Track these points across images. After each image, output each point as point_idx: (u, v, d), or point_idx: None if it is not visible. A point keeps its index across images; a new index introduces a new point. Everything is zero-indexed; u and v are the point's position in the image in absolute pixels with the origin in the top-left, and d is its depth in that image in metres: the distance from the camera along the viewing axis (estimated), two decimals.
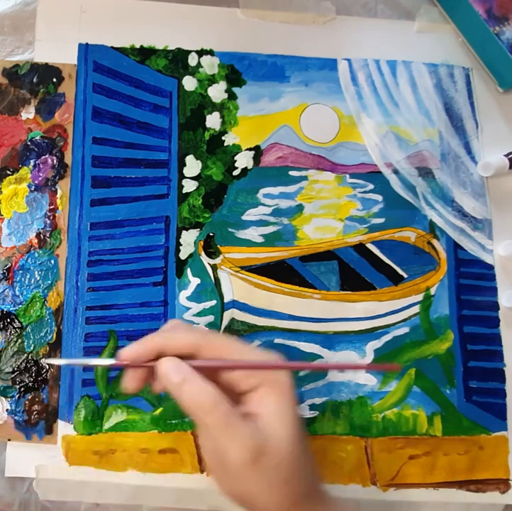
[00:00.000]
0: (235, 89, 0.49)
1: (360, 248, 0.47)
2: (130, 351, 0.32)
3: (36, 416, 0.43)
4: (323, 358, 0.45)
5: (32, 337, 0.44)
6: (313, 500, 0.32)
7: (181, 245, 0.46)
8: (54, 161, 0.46)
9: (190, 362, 0.32)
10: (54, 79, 0.48)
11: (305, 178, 0.48)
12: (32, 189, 0.46)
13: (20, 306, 0.44)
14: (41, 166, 0.46)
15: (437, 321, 0.46)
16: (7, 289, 0.44)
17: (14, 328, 0.44)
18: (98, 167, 0.47)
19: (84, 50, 0.48)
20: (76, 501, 0.42)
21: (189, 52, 0.49)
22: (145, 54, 0.49)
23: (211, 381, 0.31)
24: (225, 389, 0.31)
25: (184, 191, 0.47)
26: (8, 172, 0.46)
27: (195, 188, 0.47)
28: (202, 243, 0.46)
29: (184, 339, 0.32)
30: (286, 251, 0.47)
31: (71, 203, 0.46)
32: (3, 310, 0.44)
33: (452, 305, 0.46)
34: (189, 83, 0.49)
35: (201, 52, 0.49)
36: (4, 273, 0.45)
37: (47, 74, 0.48)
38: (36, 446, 0.42)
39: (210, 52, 0.49)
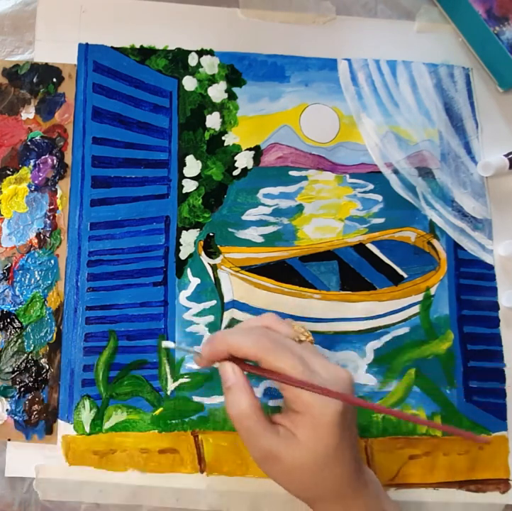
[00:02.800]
0: (235, 89, 0.49)
1: (360, 248, 0.47)
2: (208, 351, 0.37)
3: (36, 416, 0.43)
4: None
5: (32, 337, 0.44)
6: (341, 499, 0.35)
7: (181, 245, 0.46)
8: (54, 161, 0.46)
9: (245, 366, 0.36)
10: (54, 79, 0.48)
11: (305, 178, 0.48)
12: (32, 189, 0.46)
13: (20, 306, 0.44)
14: (41, 166, 0.46)
15: (437, 321, 0.46)
16: (7, 289, 0.44)
17: (14, 328, 0.44)
18: (98, 167, 0.47)
19: (84, 50, 0.48)
20: (76, 501, 0.42)
21: (189, 52, 0.49)
22: (145, 54, 0.49)
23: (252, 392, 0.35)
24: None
25: (184, 191, 0.47)
26: (8, 172, 0.46)
27: (195, 188, 0.47)
28: (202, 243, 0.46)
29: (249, 353, 0.35)
30: (286, 251, 0.47)
31: (71, 203, 0.46)
32: (3, 310, 0.44)
33: (452, 305, 0.46)
34: (189, 83, 0.49)
35: (201, 52, 0.49)
36: (4, 273, 0.45)
37: (47, 74, 0.48)
38: (36, 446, 0.42)
39: (210, 52, 0.49)
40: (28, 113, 0.47)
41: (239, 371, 0.35)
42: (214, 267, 0.46)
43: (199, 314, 0.45)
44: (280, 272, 0.46)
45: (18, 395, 0.43)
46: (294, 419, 0.34)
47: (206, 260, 0.46)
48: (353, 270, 0.47)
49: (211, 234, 0.46)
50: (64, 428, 0.43)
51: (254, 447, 0.35)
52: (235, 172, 0.48)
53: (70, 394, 0.43)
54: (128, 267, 0.45)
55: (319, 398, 0.33)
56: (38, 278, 0.45)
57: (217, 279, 0.46)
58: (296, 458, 0.34)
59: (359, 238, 0.47)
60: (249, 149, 0.48)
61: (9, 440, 0.42)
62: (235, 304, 0.45)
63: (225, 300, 0.45)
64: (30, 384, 0.43)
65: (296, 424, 0.34)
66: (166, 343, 0.41)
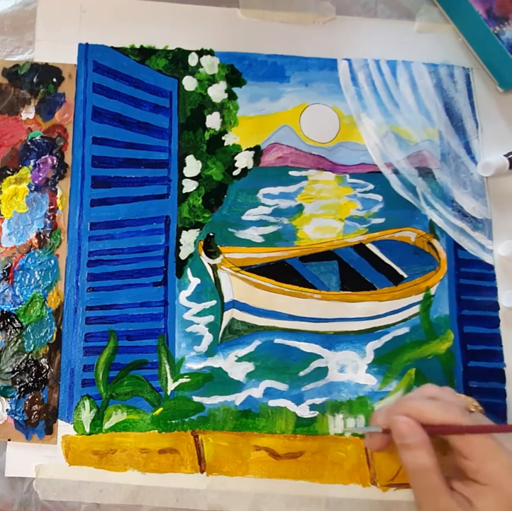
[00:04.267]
0: (235, 89, 0.49)
1: (360, 248, 0.47)
2: (383, 414, 0.38)
3: (36, 416, 0.43)
4: (322, 358, 0.45)
5: (32, 337, 0.44)
6: None
7: (181, 245, 0.46)
8: (54, 161, 0.46)
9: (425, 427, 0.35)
10: (54, 79, 0.48)
11: (305, 178, 0.48)
12: (32, 189, 0.46)
13: (20, 306, 0.44)
14: (41, 166, 0.46)
15: (437, 321, 0.46)
16: (7, 289, 0.44)
17: (14, 328, 0.44)
18: (98, 167, 0.47)
19: (84, 50, 0.48)
20: (76, 501, 0.42)
21: (189, 52, 0.49)
22: (145, 54, 0.49)
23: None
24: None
25: (184, 191, 0.47)
26: (8, 172, 0.46)
27: (195, 188, 0.47)
28: (202, 243, 0.46)
29: (436, 420, 0.35)
30: (286, 251, 0.47)
31: (71, 203, 0.46)
32: (3, 310, 0.44)
33: (452, 305, 0.46)
34: (189, 83, 0.49)
35: (201, 52, 0.49)
36: (4, 273, 0.45)
37: (47, 74, 0.48)
38: (36, 446, 0.42)
39: (210, 52, 0.49)
40: (28, 113, 0.47)
41: (419, 428, 0.35)
42: (214, 267, 0.46)
43: (199, 314, 0.45)
44: (280, 272, 0.46)
45: (18, 395, 0.43)
46: (474, 488, 0.34)
47: (206, 260, 0.46)
48: (353, 270, 0.47)
49: (211, 234, 0.46)
50: (64, 428, 0.43)
51: (431, 505, 0.35)
52: (235, 172, 0.48)
53: (70, 394, 0.43)
54: (127, 267, 0.45)
55: (506, 471, 0.33)
56: (38, 278, 0.45)
57: (217, 280, 0.46)
58: None
59: (359, 238, 0.47)
60: (249, 149, 0.48)
61: (9, 440, 0.42)
62: (235, 304, 0.45)
63: (225, 300, 0.45)
64: (30, 384, 0.43)
65: (476, 493, 0.34)
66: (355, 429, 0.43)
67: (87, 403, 0.43)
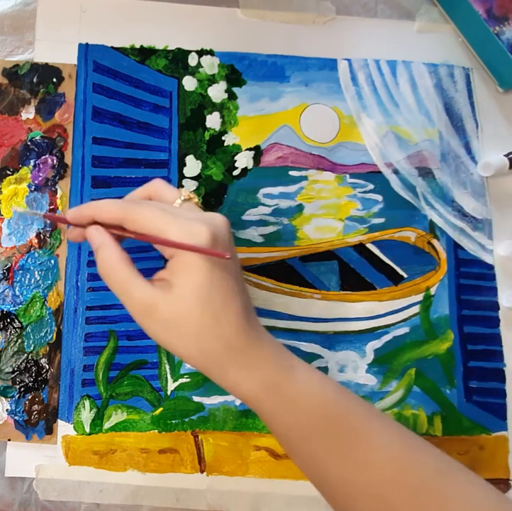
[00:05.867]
0: (235, 89, 0.49)
1: (360, 248, 0.47)
2: (73, 213, 0.35)
3: (36, 416, 0.43)
4: (323, 357, 0.45)
5: (32, 337, 0.44)
6: (240, 351, 0.32)
7: None
8: (54, 161, 0.46)
9: (112, 230, 0.34)
10: (54, 79, 0.48)
11: (305, 178, 0.48)
12: (32, 189, 0.46)
13: (20, 306, 0.44)
14: (41, 166, 0.46)
15: (437, 321, 0.46)
16: (7, 289, 0.44)
17: (14, 328, 0.44)
18: (98, 167, 0.47)
19: (84, 50, 0.48)
20: (76, 501, 0.42)
21: (189, 52, 0.49)
22: (145, 54, 0.49)
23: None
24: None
25: None
26: (8, 172, 0.46)
27: (195, 188, 0.47)
28: None
29: (112, 212, 0.33)
30: (286, 251, 0.47)
31: (71, 203, 0.46)
32: (3, 310, 0.44)
33: (452, 305, 0.46)
34: (189, 83, 0.49)
35: (201, 52, 0.49)
36: (4, 273, 0.45)
37: (47, 74, 0.48)
38: (36, 446, 0.42)
39: (210, 52, 0.49)
40: (28, 113, 0.47)
41: (104, 230, 0.34)
42: None
43: None
44: (280, 272, 0.46)
45: (18, 395, 0.43)
46: (171, 267, 0.33)
47: None
48: (353, 270, 0.47)
49: None
50: (64, 428, 0.43)
51: (129, 301, 0.32)
52: (235, 172, 0.48)
53: (70, 394, 0.43)
54: None
55: (191, 239, 0.31)
56: (38, 278, 0.45)
57: None
58: (173, 306, 0.31)
59: (359, 238, 0.47)
60: (249, 149, 0.48)
61: (9, 440, 0.42)
62: None
63: None
64: (30, 384, 0.43)
65: (172, 272, 0.32)
66: (15, 207, 0.41)
67: (87, 403, 0.43)
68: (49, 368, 0.43)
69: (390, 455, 0.32)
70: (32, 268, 0.45)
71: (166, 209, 0.33)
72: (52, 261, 0.45)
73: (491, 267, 0.47)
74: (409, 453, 0.32)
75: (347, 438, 0.32)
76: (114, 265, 0.33)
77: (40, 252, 0.45)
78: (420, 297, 0.46)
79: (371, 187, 0.48)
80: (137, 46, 0.49)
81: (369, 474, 0.32)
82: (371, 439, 0.32)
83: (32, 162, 0.46)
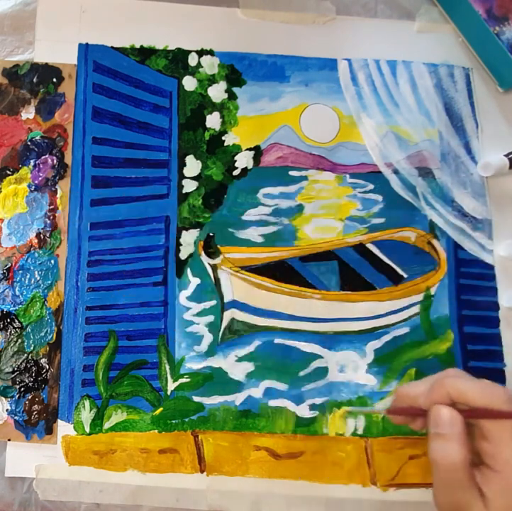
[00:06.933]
0: (235, 89, 0.49)
1: (360, 248, 0.47)
2: (426, 396, 0.35)
3: (36, 416, 0.43)
4: (323, 358, 0.45)
5: (32, 337, 0.44)
6: None
7: (181, 245, 0.46)
8: (54, 161, 0.46)
9: (461, 408, 0.33)
10: (54, 79, 0.48)
11: (305, 178, 0.48)
12: (32, 189, 0.46)
13: (20, 306, 0.44)
14: (41, 166, 0.46)
15: (437, 321, 0.46)
16: (7, 289, 0.44)
17: (14, 328, 0.44)
18: (98, 167, 0.47)
19: (84, 50, 0.48)
20: (76, 501, 0.42)
21: (189, 52, 0.49)
22: (145, 54, 0.49)
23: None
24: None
25: (184, 191, 0.47)
26: (8, 172, 0.46)
27: (195, 188, 0.47)
28: (202, 243, 0.46)
29: (478, 394, 0.33)
30: (286, 251, 0.47)
31: (71, 203, 0.46)
32: (3, 310, 0.44)
33: (452, 305, 0.46)
34: (189, 83, 0.49)
35: (201, 52, 0.49)
36: (4, 273, 0.45)
37: (47, 74, 0.48)
38: (36, 446, 0.42)
39: (210, 52, 0.49)
40: (28, 113, 0.47)
41: (461, 421, 0.33)
42: (214, 267, 0.46)
43: (199, 314, 0.45)
44: (280, 272, 0.46)
45: (18, 395, 0.43)
46: (486, 475, 0.32)
47: (206, 260, 0.46)
48: (353, 270, 0.47)
49: (211, 234, 0.46)
50: (64, 428, 0.43)
51: (446, 497, 0.33)
52: (235, 172, 0.48)
53: (70, 394, 0.43)
54: (127, 267, 0.45)
55: None
56: (38, 278, 0.45)
57: (217, 280, 0.46)
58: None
59: (359, 238, 0.47)
60: (249, 149, 0.48)
61: (9, 440, 0.42)
62: (235, 304, 0.45)
63: (225, 300, 0.45)
64: (30, 384, 0.43)
65: (486, 481, 0.32)
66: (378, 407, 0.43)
67: (87, 403, 0.43)
68: (49, 368, 0.43)
69: None
70: (32, 268, 0.45)
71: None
72: (52, 261, 0.45)
73: (491, 267, 0.47)
74: None
75: None
76: (460, 465, 0.32)
77: (40, 252, 0.45)
78: (420, 297, 0.46)
79: (371, 187, 0.48)
80: (137, 46, 0.49)
81: None
82: None
83: (32, 162, 0.46)
